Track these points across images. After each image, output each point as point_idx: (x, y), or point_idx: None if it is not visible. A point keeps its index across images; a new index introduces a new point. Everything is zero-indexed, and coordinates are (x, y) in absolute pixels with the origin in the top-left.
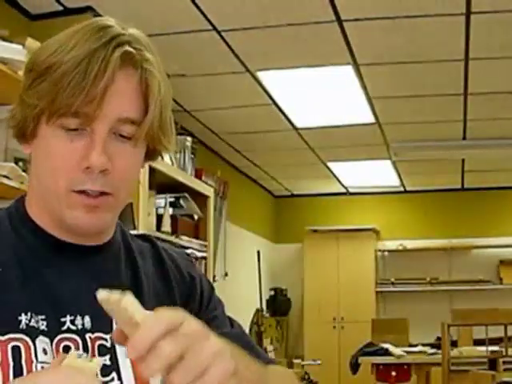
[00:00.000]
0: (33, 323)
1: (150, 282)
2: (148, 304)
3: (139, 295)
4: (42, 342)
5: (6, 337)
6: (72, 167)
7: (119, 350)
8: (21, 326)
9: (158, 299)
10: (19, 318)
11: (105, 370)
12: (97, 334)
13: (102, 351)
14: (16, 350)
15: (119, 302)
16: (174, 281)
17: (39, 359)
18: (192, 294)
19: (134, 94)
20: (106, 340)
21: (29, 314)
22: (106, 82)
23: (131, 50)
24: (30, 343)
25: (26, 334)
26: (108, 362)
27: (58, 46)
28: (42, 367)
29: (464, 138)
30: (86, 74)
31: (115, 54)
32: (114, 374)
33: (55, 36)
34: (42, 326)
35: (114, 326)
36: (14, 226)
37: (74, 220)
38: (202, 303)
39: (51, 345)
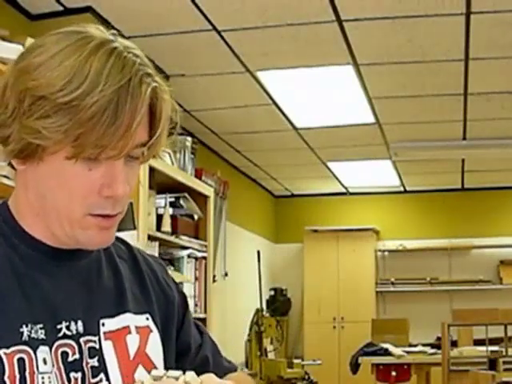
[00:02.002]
0: (33, 334)
1: (129, 285)
2: (130, 308)
3: (122, 299)
4: (42, 352)
5: (11, 349)
6: (90, 193)
7: (106, 351)
8: (23, 338)
9: (136, 304)
10: (21, 329)
11: (93, 372)
12: (87, 337)
13: (92, 353)
14: (21, 362)
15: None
16: (151, 287)
17: (40, 370)
18: (169, 303)
19: (147, 120)
20: (94, 342)
21: (29, 325)
22: (137, 122)
23: (155, 84)
24: (32, 355)
25: (29, 346)
26: (96, 364)
27: (73, 73)
28: (43, 377)
29: (464, 138)
30: (117, 116)
31: (143, 91)
32: (102, 375)
33: (55, 48)
34: (41, 334)
35: (101, 328)
36: (5, 235)
37: (88, 239)
38: (179, 313)
39: (50, 352)
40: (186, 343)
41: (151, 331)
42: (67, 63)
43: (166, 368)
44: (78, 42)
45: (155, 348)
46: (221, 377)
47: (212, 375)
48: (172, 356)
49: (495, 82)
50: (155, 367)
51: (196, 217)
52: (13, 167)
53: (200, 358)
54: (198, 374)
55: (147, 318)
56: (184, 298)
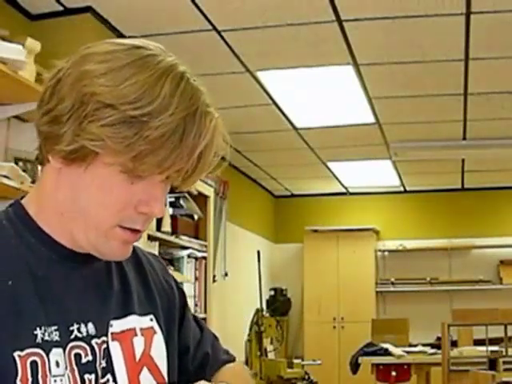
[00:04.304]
0: (47, 337)
1: (135, 287)
2: (136, 310)
3: (129, 300)
4: (55, 354)
5: (25, 352)
6: (127, 207)
7: (113, 352)
8: (37, 341)
9: (141, 305)
10: (35, 332)
11: (102, 372)
12: (99, 339)
13: (105, 355)
14: (34, 365)
15: None
16: (154, 287)
17: (52, 373)
18: (171, 303)
19: None
20: (105, 343)
21: (43, 327)
22: (199, 150)
23: (217, 116)
24: (45, 357)
25: (42, 349)
26: (104, 364)
27: (145, 89)
28: (55, 380)
29: (464, 138)
30: (182, 141)
31: (207, 121)
32: (109, 376)
33: (120, 59)
34: (56, 336)
35: (109, 329)
36: (21, 234)
37: (109, 251)
38: (179, 312)
39: (64, 354)
40: (186, 342)
41: (155, 332)
42: (139, 78)
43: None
44: (146, 59)
45: (159, 350)
46: (219, 367)
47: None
48: (175, 355)
49: (495, 82)
50: (159, 369)
51: (196, 217)
52: (41, 163)
53: (201, 354)
54: (198, 371)
55: (151, 319)
56: (183, 295)
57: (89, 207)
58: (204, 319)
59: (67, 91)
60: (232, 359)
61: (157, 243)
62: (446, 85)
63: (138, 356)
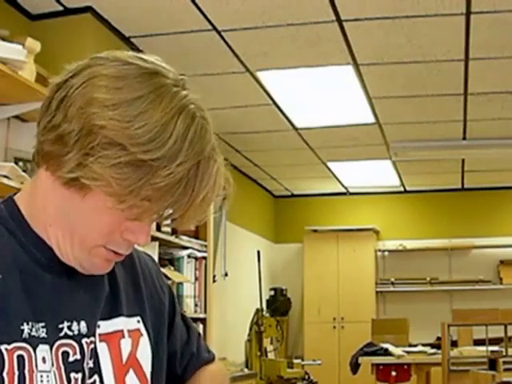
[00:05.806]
0: (34, 332)
1: (124, 286)
2: (123, 311)
3: (117, 301)
4: (41, 350)
5: (12, 346)
6: (114, 231)
7: (101, 353)
8: (23, 336)
9: (129, 307)
10: (22, 327)
11: (89, 372)
12: (89, 339)
13: (92, 355)
14: (20, 360)
15: None
16: (144, 288)
17: (39, 368)
18: (162, 305)
19: None
20: (94, 343)
21: (30, 323)
22: (202, 197)
23: (220, 160)
24: (32, 352)
25: (29, 344)
26: (92, 365)
27: (157, 130)
28: (41, 376)
29: (464, 138)
30: (186, 190)
31: (210, 166)
32: (96, 377)
33: (132, 90)
34: (43, 333)
35: (97, 330)
36: (13, 232)
37: (90, 266)
38: (169, 315)
39: (50, 351)
40: (174, 347)
41: (141, 335)
42: (151, 119)
43: None
44: (159, 91)
45: (145, 352)
46: (199, 367)
47: None
48: (164, 358)
49: (495, 82)
50: (143, 372)
51: None
52: (37, 164)
53: (187, 355)
54: (184, 372)
55: (138, 321)
56: (173, 297)
57: (77, 225)
58: (204, 319)
59: (75, 113)
60: (212, 358)
61: (157, 243)
62: (446, 85)
63: (124, 358)
